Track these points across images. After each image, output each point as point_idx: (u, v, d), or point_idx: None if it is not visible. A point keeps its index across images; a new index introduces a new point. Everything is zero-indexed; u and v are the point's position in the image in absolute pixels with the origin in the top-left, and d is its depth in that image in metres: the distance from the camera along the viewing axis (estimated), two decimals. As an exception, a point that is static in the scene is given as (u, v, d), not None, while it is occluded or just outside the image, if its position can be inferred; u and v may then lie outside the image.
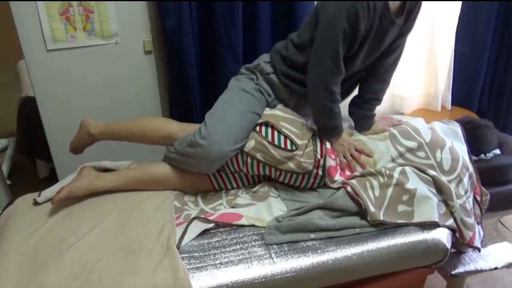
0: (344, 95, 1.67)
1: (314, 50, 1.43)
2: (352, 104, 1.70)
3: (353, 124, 1.70)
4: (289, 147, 1.46)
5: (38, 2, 1.77)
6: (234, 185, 1.58)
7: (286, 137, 1.47)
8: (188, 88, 2.08)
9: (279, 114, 1.53)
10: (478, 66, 2.54)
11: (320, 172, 1.49)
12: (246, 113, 1.49)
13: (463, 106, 2.61)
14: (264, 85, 1.58)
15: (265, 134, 1.48)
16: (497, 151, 1.68)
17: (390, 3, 1.40)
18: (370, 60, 1.56)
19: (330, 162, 1.49)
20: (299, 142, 1.47)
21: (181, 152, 1.47)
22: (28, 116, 2.32)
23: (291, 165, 1.46)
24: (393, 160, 1.51)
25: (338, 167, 1.52)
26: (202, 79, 2.11)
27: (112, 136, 1.59)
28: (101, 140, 1.61)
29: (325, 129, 1.51)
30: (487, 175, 1.57)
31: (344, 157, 1.52)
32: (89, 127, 1.57)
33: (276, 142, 1.46)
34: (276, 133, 1.47)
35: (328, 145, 1.52)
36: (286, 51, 1.56)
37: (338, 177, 1.50)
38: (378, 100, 1.66)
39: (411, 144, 1.52)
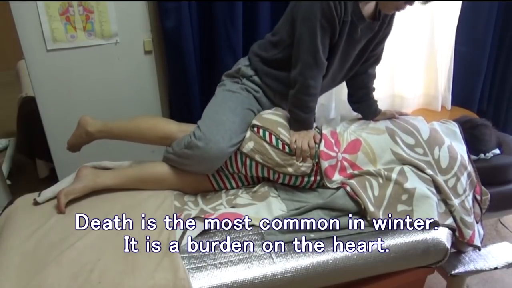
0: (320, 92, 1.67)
1: (294, 46, 1.46)
2: (351, 103, 1.76)
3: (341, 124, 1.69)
4: (287, 150, 1.46)
5: (38, 2, 1.77)
6: (234, 185, 1.58)
7: (283, 142, 1.46)
8: (188, 88, 2.08)
9: (276, 119, 1.52)
10: (478, 66, 2.54)
11: (318, 178, 1.50)
12: (236, 109, 1.51)
13: (463, 106, 2.61)
14: (249, 84, 1.59)
15: (263, 136, 1.47)
16: (497, 151, 1.68)
17: (363, 8, 1.44)
18: (348, 63, 1.59)
19: (324, 164, 1.48)
20: None
21: (179, 153, 1.47)
22: (28, 116, 2.32)
23: (289, 169, 1.46)
24: (394, 154, 1.50)
25: (337, 165, 1.51)
26: (202, 79, 2.11)
27: (110, 135, 1.59)
28: (99, 139, 1.61)
29: (296, 120, 1.50)
30: (487, 175, 1.57)
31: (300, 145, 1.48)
32: (87, 126, 1.58)
33: (274, 144, 1.46)
34: (274, 137, 1.47)
35: (321, 147, 1.49)
36: (266, 53, 1.58)
37: (337, 177, 1.50)
38: (367, 89, 1.70)
39: (410, 139, 1.52)
